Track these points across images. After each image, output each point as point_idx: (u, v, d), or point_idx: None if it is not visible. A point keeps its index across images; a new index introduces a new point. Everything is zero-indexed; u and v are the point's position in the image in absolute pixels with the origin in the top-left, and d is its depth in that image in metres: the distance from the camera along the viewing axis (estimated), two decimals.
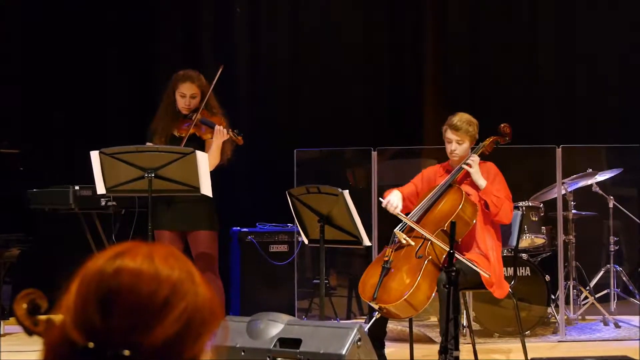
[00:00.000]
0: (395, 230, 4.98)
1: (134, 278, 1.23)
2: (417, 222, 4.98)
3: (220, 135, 5.22)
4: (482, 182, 5.02)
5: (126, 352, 1.20)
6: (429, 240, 4.86)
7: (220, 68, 5.29)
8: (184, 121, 5.35)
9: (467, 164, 5.05)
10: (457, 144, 5.07)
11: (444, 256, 4.83)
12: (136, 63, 7.62)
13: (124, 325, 1.21)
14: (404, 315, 4.88)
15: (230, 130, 5.23)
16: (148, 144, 5.33)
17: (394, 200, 5.05)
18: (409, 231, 4.98)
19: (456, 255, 4.45)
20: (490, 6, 7.87)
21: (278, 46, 7.93)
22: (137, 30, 7.66)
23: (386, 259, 4.89)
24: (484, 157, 5.18)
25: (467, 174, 5.10)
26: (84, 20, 7.45)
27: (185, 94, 5.34)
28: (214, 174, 5.10)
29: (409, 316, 4.97)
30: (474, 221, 4.95)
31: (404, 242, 4.91)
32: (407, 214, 5.03)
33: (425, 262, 4.81)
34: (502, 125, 5.20)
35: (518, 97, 7.73)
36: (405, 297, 4.70)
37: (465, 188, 5.06)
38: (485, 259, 4.97)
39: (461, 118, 5.09)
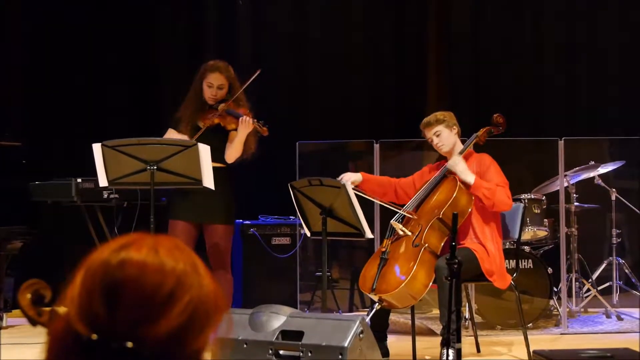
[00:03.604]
0: (391, 221, 5.02)
1: (138, 270, 1.23)
2: (414, 212, 5.01)
3: (245, 125, 5.19)
4: (470, 178, 4.99)
5: (129, 344, 1.20)
6: (426, 228, 4.88)
7: (257, 72, 5.27)
8: (210, 111, 5.32)
9: (452, 167, 5.06)
10: (436, 137, 5.12)
11: (441, 244, 4.86)
12: (137, 56, 7.61)
13: (128, 318, 1.21)
14: (403, 304, 4.90)
15: (255, 121, 5.21)
16: (171, 130, 5.32)
17: (347, 175, 5.12)
18: (406, 222, 5.02)
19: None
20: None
21: (280, 39, 7.92)
22: (138, 24, 7.65)
23: (383, 250, 4.95)
24: (478, 147, 5.21)
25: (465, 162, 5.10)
26: (86, 14, 7.45)
27: (213, 84, 5.32)
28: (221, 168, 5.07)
29: (408, 305, 5.00)
30: (469, 210, 4.97)
31: (400, 232, 4.95)
32: (402, 206, 5.07)
33: (422, 250, 4.84)
34: (495, 115, 5.23)
35: (520, 89, 7.72)
36: (402, 285, 4.72)
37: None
38: (483, 248, 4.98)
39: (429, 116, 5.18)
